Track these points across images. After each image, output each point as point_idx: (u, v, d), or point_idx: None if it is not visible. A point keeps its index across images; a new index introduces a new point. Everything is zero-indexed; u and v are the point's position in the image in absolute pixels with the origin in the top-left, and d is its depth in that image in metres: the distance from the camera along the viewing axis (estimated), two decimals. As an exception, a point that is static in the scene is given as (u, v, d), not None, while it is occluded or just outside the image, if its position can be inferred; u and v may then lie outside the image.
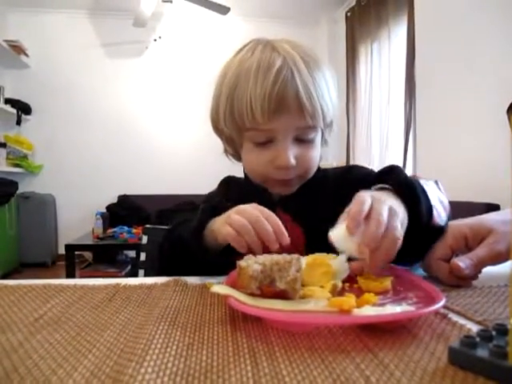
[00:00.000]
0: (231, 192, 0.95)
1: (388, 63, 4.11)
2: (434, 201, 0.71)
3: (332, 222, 0.60)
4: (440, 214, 0.71)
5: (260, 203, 0.69)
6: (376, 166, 0.95)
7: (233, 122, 0.81)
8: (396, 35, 3.99)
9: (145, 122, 5.18)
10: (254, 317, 0.49)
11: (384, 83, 4.18)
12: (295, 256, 0.53)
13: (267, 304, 0.50)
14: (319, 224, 0.66)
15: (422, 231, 0.67)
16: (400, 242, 0.57)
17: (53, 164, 5.06)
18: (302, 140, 0.81)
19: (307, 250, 0.72)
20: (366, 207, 0.57)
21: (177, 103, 5.23)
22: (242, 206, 0.68)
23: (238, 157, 0.91)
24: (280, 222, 0.64)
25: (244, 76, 0.79)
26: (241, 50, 0.85)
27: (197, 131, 4.98)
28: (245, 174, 0.92)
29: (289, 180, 0.83)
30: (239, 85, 0.79)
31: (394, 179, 0.72)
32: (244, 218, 0.64)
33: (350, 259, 0.61)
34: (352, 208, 0.58)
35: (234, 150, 0.89)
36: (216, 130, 0.89)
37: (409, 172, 3.51)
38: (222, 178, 1.02)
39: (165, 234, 0.87)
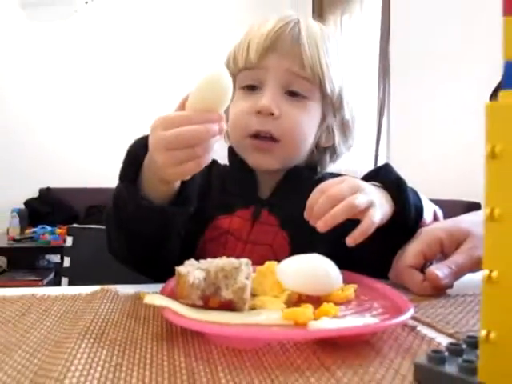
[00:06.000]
0: (213, 177, 0.94)
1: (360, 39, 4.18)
2: (426, 205, 0.77)
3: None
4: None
5: (245, 200, 0.79)
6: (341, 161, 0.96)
7: (233, 64, 0.89)
8: (369, 8, 4.06)
9: (75, 95, 5.04)
10: (194, 332, 0.50)
11: (355, 61, 4.24)
12: (244, 261, 0.54)
13: (211, 317, 0.50)
14: (308, 232, 0.68)
15: (410, 233, 0.74)
16: (350, 206, 0.64)
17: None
18: (294, 93, 0.84)
19: None
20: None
21: (113, 74, 5.12)
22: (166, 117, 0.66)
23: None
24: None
25: (255, 26, 0.89)
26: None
27: (142, 106, 4.88)
28: (230, 162, 0.94)
29: (267, 144, 0.83)
30: (247, 33, 0.90)
31: (383, 176, 0.77)
32: (177, 131, 0.63)
33: None
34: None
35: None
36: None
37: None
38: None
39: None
